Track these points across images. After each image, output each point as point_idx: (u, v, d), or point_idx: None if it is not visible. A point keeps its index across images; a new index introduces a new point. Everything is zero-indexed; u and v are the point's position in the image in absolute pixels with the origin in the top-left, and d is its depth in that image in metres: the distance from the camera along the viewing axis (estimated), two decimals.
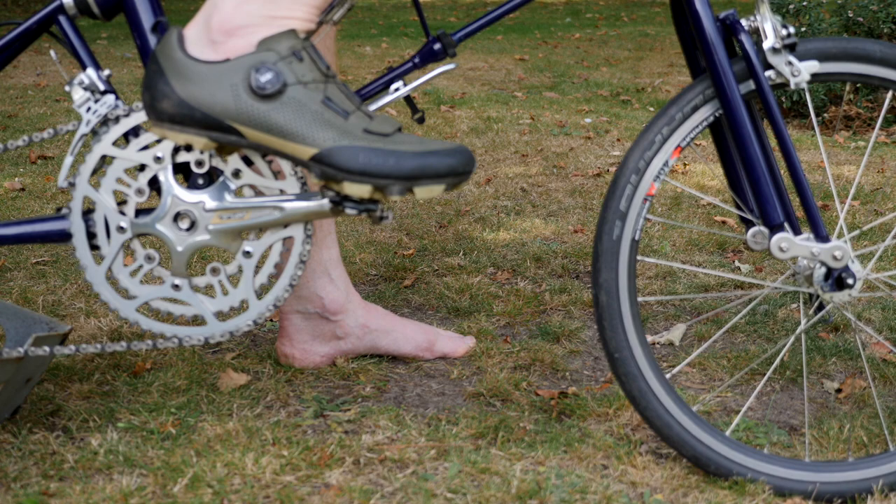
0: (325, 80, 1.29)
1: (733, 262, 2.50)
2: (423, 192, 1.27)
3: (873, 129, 4.31)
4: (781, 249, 1.41)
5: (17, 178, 3.21)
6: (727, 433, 1.47)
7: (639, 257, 1.48)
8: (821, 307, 1.46)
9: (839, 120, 4.35)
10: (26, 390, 1.55)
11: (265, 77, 1.26)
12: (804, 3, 4.61)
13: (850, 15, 4.56)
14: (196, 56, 1.30)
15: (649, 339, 2.00)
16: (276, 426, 1.59)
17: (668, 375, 1.48)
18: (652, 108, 5.02)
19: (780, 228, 1.41)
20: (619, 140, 4.10)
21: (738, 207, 1.50)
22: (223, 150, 1.34)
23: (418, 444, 1.55)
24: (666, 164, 1.43)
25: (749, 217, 1.48)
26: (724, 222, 2.86)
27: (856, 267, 1.42)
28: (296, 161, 1.29)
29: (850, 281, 1.41)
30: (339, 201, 1.33)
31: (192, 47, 1.31)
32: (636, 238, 1.44)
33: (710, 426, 1.46)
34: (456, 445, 1.55)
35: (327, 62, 1.31)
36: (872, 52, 1.41)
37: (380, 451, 1.53)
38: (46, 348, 1.43)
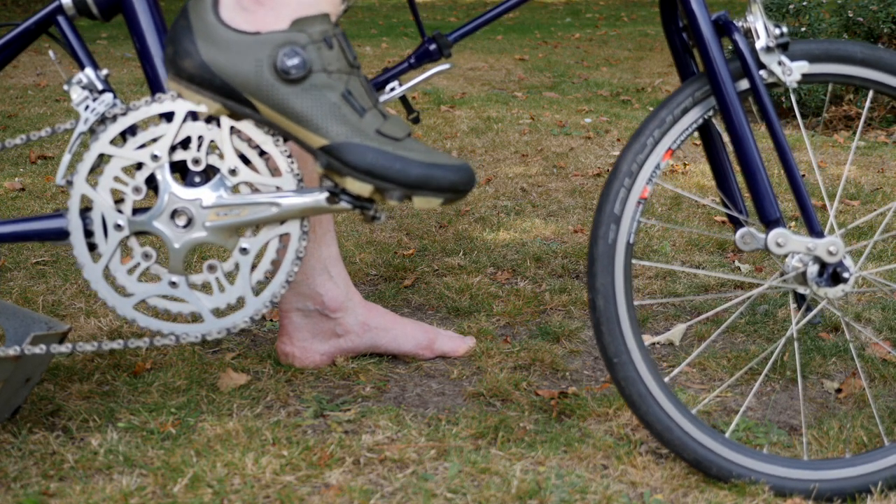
0: (350, 72, 1.29)
1: (733, 262, 2.50)
2: (422, 202, 1.29)
3: (873, 129, 4.32)
4: (778, 245, 1.42)
5: (17, 178, 3.21)
6: (727, 434, 1.47)
7: (634, 260, 1.49)
8: (809, 309, 1.46)
9: (839, 120, 4.35)
10: (26, 390, 1.55)
11: (292, 61, 1.26)
12: (804, 3, 4.61)
13: (850, 15, 4.56)
14: (227, 22, 1.29)
15: (649, 339, 2.00)
16: (276, 426, 1.59)
17: (667, 379, 1.48)
18: (652, 109, 5.02)
19: (776, 224, 1.42)
20: (618, 140, 4.10)
21: (728, 209, 1.51)
22: (232, 117, 1.35)
23: (418, 444, 1.55)
24: (658, 166, 1.44)
25: (739, 217, 1.49)
26: (723, 223, 2.86)
27: (849, 262, 1.43)
28: (303, 146, 1.30)
29: (845, 275, 1.41)
30: (337, 192, 1.34)
31: (224, 11, 1.30)
32: (631, 241, 1.44)
33: (711, 428, 1.46)
34: (456, 445, 1.55)
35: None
36: (854, 54, 1.43)
37: (380, 451, 1.53)
38: (44, 347, 1.43)
